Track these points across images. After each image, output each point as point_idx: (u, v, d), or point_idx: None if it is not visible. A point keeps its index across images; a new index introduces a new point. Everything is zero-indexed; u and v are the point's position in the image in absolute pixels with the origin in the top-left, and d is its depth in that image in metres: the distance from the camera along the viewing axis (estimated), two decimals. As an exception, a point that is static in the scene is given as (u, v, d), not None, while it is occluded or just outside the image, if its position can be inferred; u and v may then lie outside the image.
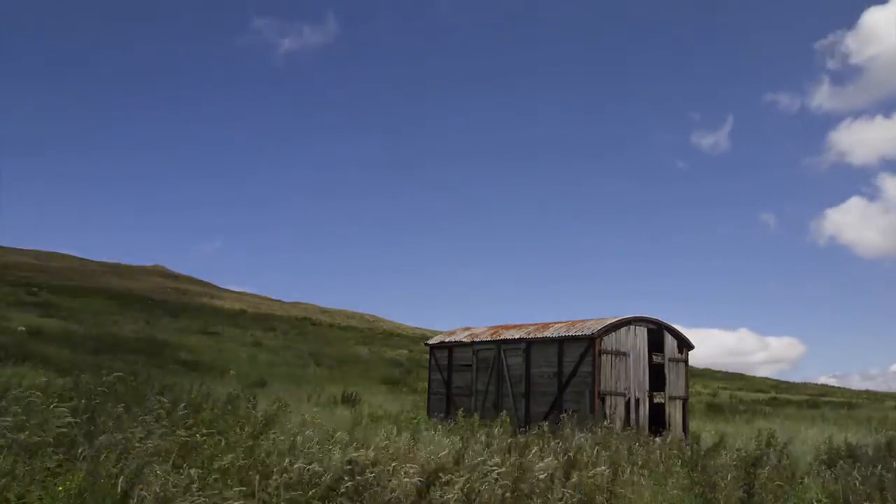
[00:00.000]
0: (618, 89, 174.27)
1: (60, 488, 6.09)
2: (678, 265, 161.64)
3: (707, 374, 62.92)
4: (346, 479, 6.32)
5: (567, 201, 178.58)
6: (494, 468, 7.06)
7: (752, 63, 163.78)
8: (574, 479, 7.07)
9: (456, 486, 6.43)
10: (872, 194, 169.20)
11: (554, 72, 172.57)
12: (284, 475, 6.53)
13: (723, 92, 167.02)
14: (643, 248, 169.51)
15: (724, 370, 72.63)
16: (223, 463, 6.93)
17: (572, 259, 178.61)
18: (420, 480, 6.38)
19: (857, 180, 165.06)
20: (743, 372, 73.85)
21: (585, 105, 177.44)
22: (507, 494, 6.14)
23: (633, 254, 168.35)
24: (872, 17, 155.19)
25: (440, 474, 6.69)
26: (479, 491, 6.47)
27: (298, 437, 8.68)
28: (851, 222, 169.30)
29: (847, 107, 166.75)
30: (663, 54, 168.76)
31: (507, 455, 8.43)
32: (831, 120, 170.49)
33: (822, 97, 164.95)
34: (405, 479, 6.71)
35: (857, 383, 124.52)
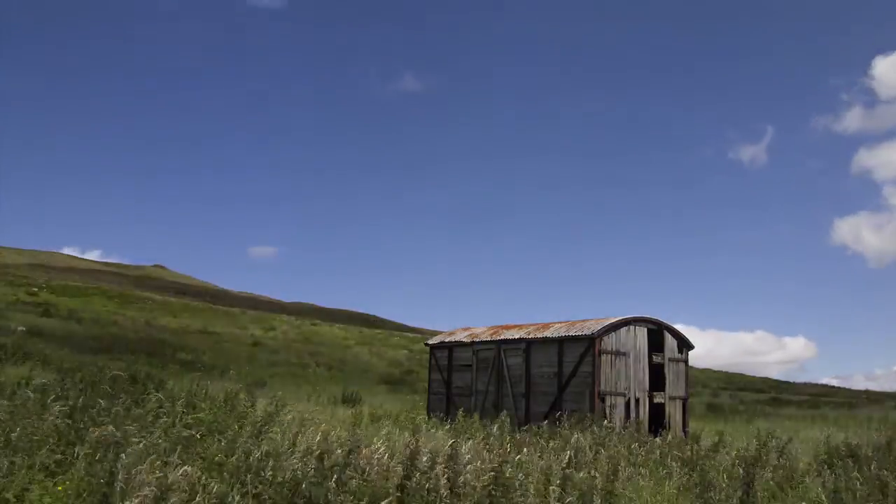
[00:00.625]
0: (661, 99, 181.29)
1: (60, 487, 6.09)
2: (702, 269, 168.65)
3: (707, 374, 62.90)
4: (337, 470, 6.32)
5: (593, 204, 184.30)
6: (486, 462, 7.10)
7: (792, 87, 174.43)
8: (573, 478, 7.07)
9: (443, 478, 6.45)
10: (884, 206, 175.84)
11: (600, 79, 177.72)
12: (280, 472, 6.53)
13: (764, 111, 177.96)
14: (669, 251, 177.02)
15: (724, 370, 72.66)
16: (222, 460, 6.94)
17: (587, 260, 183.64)
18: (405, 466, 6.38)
19: (873, 194, 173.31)
20: (761, 372, 73.94)
21: (622, 112, 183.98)
22: (494, 490, 6.14)
23: (662, 257, 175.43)
24: (882, 66, 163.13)
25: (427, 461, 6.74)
26: (463, 483, 6.49)
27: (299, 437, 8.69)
28: (865, 232, 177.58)
29: (874, 129, 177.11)
30: (709, 70, 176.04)
31: (504, 452, 8.42)
32: (859, 140, 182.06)
33: (853, 120, 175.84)
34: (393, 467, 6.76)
35: (861, 383, 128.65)
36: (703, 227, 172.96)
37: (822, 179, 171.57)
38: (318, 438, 8.07)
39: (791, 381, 68.09)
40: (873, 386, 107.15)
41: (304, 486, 6.19)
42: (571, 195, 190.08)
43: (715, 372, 68.62)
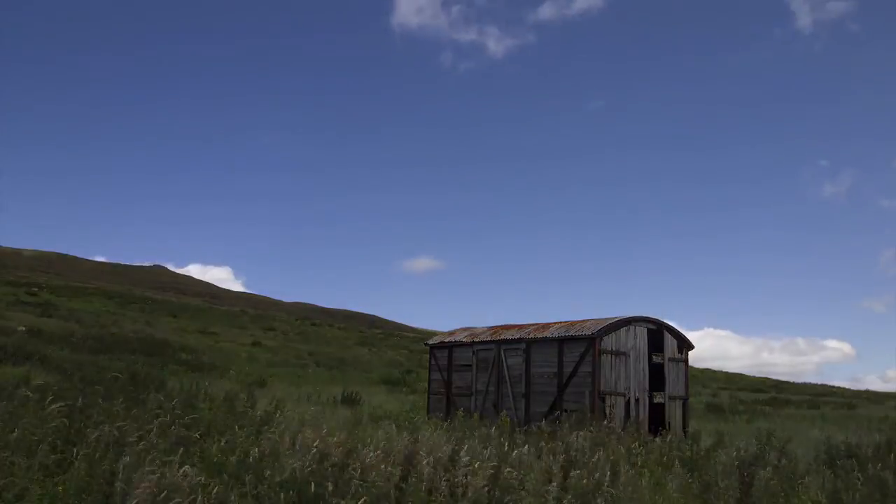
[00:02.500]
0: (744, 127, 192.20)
1: (60, 487, 6.08)
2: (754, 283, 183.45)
3: (707, 374, 62.89)
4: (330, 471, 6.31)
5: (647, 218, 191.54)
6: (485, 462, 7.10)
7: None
8: (572, 478, 7.07)
9: (442, 478, 6.45)
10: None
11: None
12: (279, 473, 6.53)
13: (846, 149, 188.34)
14: (722, 264, 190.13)
15: (725, 370, 72.67)
16: (221, 461, 6.94)
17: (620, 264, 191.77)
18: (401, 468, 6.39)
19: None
20: (799, 373, 74.38)
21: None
22: (492, 490, 6.14)
23: (714, 270, 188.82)
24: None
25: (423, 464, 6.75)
26: (462, 483, 6.50)
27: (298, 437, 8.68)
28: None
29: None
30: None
31: (502, 451, 8.43)
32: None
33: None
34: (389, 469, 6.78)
35: (875, 384, 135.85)
36: (765, 245, 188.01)
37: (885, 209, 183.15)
38: (318, 439, 8.07)
39: (790, 381, 68.16)
40: (886, 387, 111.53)
41: (302, 486, 6.19)
42: (601, 198, 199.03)
43: (715, 372, 68.63)
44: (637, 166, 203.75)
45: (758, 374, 71.56)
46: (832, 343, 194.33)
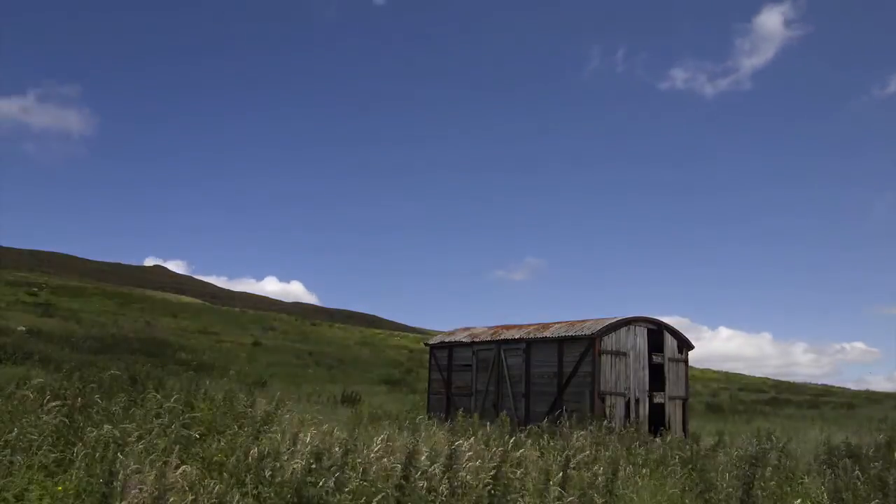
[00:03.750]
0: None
1: (59, 488, 6.07)
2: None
3: (707, 374, 62.88)
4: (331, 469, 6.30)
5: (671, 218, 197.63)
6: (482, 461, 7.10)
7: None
8: (573, 477, 7.06)
9: (443, 478, 6.43)
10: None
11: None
12: (280, 472, 6.52)
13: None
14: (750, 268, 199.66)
15: (725, 370, 72.65)
16: (221, 460, 6.93)
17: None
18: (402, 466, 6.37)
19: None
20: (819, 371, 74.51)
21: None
22: (494, 489, 6.12)
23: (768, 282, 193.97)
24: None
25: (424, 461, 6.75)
26: (463, 483, 6.49)
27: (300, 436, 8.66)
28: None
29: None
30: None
31: (501, 450, 8.41)
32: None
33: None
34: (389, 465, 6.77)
35: (882, 384, 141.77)
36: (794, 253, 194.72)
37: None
38: (317, 438, 8.06)
39: (789, 380, 68.17)
40: (889, 387, 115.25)
41: (303, 486, 6.18)
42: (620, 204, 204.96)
43: (715, 372, 68.61)
44: (697, 182, 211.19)
45: (785, 374, 72.07)
46: (859, 345, 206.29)
